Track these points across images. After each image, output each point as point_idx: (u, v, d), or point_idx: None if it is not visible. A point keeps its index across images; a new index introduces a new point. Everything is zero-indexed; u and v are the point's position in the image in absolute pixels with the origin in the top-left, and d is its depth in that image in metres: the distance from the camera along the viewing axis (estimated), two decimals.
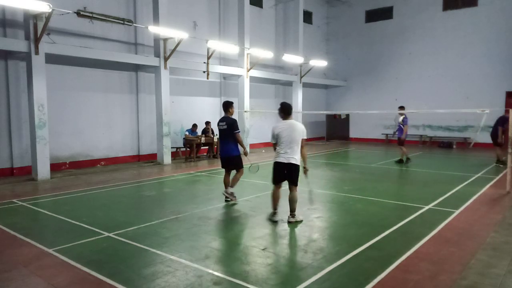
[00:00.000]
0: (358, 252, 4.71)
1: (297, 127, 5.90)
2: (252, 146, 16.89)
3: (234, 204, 7.26)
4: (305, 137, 5.97)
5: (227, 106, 7.46)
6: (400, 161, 12.76)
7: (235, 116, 7.77)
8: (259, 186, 8.84)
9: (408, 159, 12.72)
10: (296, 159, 5.84)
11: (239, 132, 7.40)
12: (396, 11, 20.58)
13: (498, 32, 17.53)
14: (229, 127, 7.29)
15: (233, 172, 7.55)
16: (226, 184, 7.48)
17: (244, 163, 7.55)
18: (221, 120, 7.48)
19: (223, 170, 7.66)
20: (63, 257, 4.60)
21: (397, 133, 13.09)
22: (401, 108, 12.81)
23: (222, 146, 7.54)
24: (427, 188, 8.70)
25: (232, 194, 7.39)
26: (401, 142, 12.77)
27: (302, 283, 3.87)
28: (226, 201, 7.38)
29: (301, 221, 6.02)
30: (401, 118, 12.64)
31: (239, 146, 7.44)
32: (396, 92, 20.53)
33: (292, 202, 5.96)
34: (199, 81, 15.33)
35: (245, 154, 7.63)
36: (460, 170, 11.34)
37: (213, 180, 10.04)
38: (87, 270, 4.22)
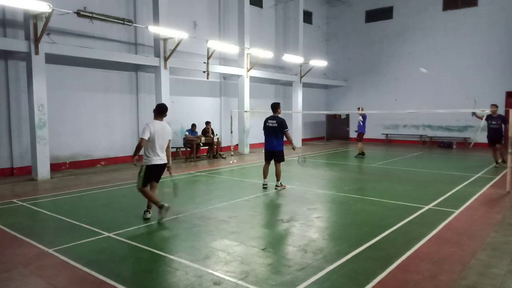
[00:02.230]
0: (358, 252, 4.71)
1: (167, 129, 6.31)
2: (252, 146, 16.90)
3: (234, 203, 7.28)
4: (170, 138, 6.38)
5: (276, 107, 8.52)
6: (362, 154, 14.37)
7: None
8: (259, 186, 8.83)
9: (362, 153, 14.39)
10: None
11: (288, 130, 8.43)
12: (396, 11, 20.59)
13: (498, 32, 17.53)
14: (280, 125, 8.33)
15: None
16: (265, 173, 8.62)
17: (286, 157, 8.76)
18: (270, 118, 8.47)
19: (264, 161, 8.73)
20: (63, 257, 4.60)
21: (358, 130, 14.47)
22: (361, 109, 14.42)
23: (269, 141, 8.52)
24: (427, 188, 8.70)
25: (281, 184, 8.53)
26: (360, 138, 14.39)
27: (302, 283, 3.87)
28: (263, 188, 8.54)
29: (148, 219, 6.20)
30: (360, 117, 14.27)
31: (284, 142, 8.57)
32: (396, 92, 20.54)
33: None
34: (199, 81, 15.33)
35: (293, 149, 8.64)
36: (460, 170, 11.34)
37: (213, 180, 10.04)
38: (87, 270, 4.22)
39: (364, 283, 3.86)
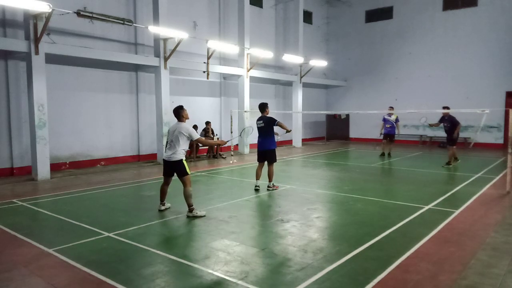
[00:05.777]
0: (358, 252, 4.71)
1: (180, 126, 6.39)
2: (252, 146, 16.88)
3: (234, 203, 7.28)
4: (187, 135, 6.31)
5: (263, 107, 8.47)
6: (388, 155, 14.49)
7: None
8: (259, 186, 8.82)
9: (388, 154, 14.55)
10: (175, 156, 6.31)
11: (278, 121, 8.26)
12: (396, 11, 20.58)
13: (498, 32, 17.53)
14: (267, 124, 8.30)
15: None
16: (258, 175, 8.47)
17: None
18: (258, 119, 8.46)
19: (258, 163, 8.61)
20: (63, 257, 4.60)
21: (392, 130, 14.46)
22: (392, 108, 14.48)
23: (260, 141, 8.48)
24: (427, 188, 8.70)
25: (273, 185, 8.50)
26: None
27: (302, 283, 3.87)
28: (255, 189, 8.37)
29: (202, 216, 6.31)
30: (394, 116, 14.20)
31: (276, 133, 8.63)
32: (396, 92, 20.53)
33: (186, 197, 6.37)
34: (199, 81, 15.33)
35: (287, 131, 8.52)
36: (460, 170, 11.34)
37: (213, 180, 10.04)
38: (87, 270, 4.22)
39: (364, 283, 3.86)
